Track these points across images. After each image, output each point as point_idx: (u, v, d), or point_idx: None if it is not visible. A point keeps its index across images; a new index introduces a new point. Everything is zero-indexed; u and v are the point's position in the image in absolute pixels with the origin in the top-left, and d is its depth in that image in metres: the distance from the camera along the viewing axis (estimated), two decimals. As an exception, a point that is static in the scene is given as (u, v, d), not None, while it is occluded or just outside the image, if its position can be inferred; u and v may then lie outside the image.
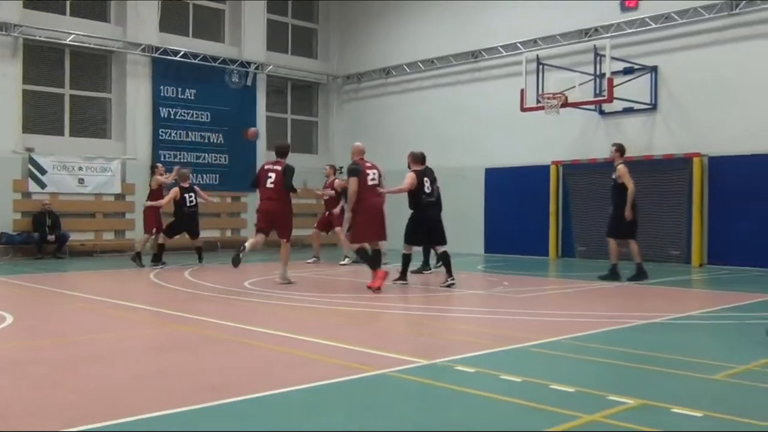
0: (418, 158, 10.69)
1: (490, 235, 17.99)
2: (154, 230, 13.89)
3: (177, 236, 14.22)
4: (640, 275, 10.87)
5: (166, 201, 13.79)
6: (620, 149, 11.30)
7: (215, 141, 19.55)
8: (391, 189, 10.50)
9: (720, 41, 14.36)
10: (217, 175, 19.55)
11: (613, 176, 11.07)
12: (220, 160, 19.62)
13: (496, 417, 4.02)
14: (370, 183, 9.95)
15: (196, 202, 14.17)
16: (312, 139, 22.72)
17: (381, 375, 4.91)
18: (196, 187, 14.55)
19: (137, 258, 13.81)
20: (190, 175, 14.71)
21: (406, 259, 10.62)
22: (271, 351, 5.87)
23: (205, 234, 19.29)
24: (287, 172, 10.75)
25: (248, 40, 20.18)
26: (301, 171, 21.25)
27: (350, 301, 9.03)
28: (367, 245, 10.10)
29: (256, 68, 20.22)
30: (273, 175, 10.70)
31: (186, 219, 14.01)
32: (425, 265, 12.61)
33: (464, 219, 17.51)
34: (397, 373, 4.95)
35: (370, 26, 21.36)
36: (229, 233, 19.87)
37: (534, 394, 4.43)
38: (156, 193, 14.03)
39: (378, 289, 9.51)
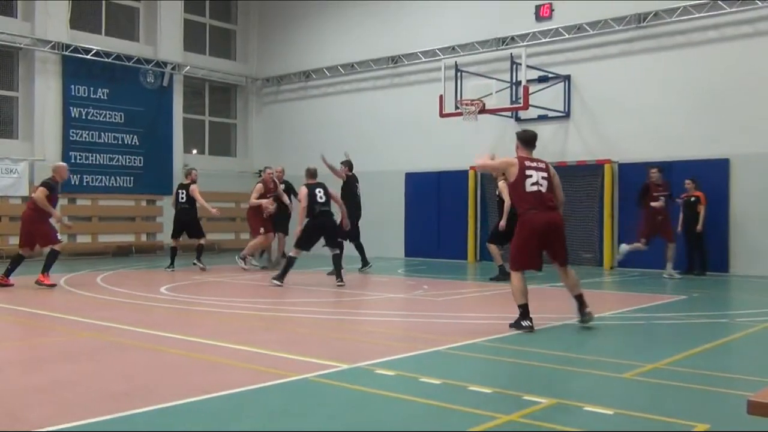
0: (311, 173, 11.52)
1: (410, 239, 18.14)
2: (262, 230, 13.75)
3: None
4: (502, 276, 11.33)
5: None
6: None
7: (129, 142, 18.96)
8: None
9: (629, 52, 14.96)
10: (132, 178, 18.94)
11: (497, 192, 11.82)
12: (134, 162, 19.02)
13: (416, 419, 4.03)
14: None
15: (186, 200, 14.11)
16: (230, 142, 22.37)
17: (300, 380, 4.86)
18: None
19: (246, 260, 13.98)
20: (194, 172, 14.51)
21: (290, 261, 11.00)
22: (183, 357, 5.71)
23: (119, 238, 18.77)
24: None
25: (164, 39, 19.69)
26: (219, 174, 21.09)
27: (267, 306, 8.92)
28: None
29: (173, 69, 19.75)
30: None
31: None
32: (365, 264, 13.48)
33: (384, 223, 17.61)
34: (317, 378, 4.91)
35: (290, 29, 21.20)
36: (144, 237, 19.30)
37: (453, 395, 4.48)
38: (263, 197, 13.76)
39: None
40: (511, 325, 6.94)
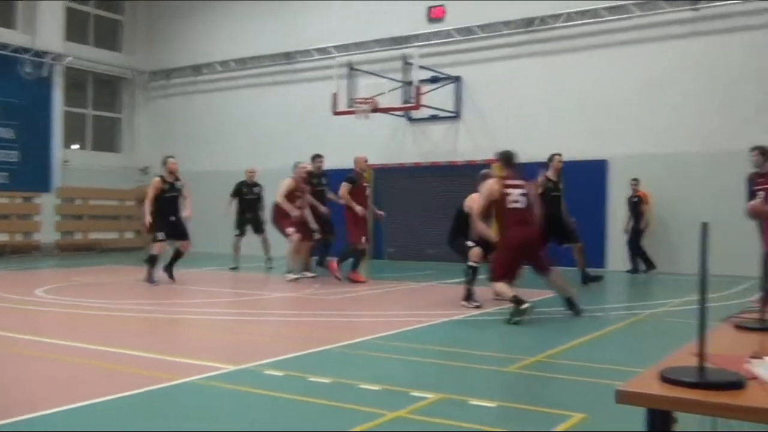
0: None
1: (302, 237, 18.01)
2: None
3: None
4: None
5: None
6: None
7: (5, 136, 17.84)
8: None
9: (517, 56, 15.47)
10: (7, 174, 17.84)
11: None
12: (9, 158, 17.91)
13: (305, 419, 4.01)
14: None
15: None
16: (115, 137, 21.49)
17: (187, 383, 4.73)
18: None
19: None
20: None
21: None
22: (64, 363, 5.43)
23: (-9, 237, 17.69)
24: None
25: (44, 28, 18.67)
26: (102, 170, 20.26)
27: (153, 308, 8.64)
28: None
29: (53, 59, 18.77)
30: None
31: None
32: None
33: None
34: (204, 381, 4.79)
35: (180, 21, 20.61)
36: (20, 237, 18.25)
37: (342, 394, 4.48)
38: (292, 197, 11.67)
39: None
40: (512, 320, 7.29)
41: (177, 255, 11.15)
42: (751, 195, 8.73)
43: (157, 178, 11.13)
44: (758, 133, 12.87)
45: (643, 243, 13.48)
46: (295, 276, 11.37)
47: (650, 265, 13.38)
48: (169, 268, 11.10)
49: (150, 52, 21.27)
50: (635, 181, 13.49)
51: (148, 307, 8.63)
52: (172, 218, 10.95)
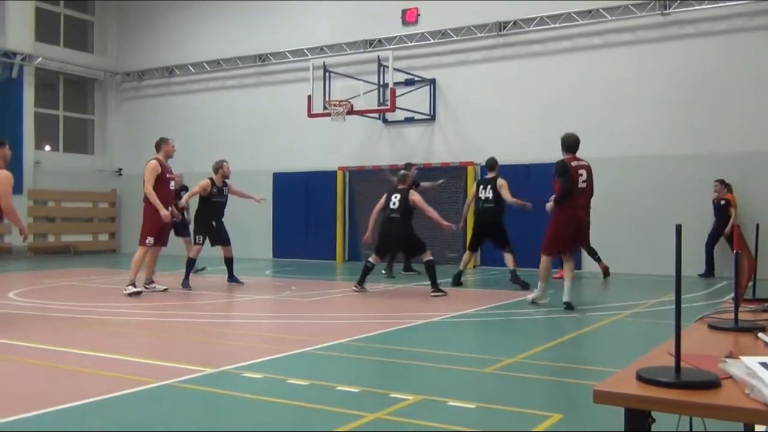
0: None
1: (278, 239, 17.99)
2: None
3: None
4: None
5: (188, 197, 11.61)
6: None
7: (-27, 137, 17.57)
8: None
9: (490, 59, 15.58)
10: (-25, 176, 17.54)
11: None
12: (-22, 159, 17.63)
13: (283, 421, 4.01)
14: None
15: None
16: (87, 139, 21.25)
17: (162, 386, 4.70)
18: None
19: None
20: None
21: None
22: (34, 366, 5.36)
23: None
24: None
25: (12, 28, 18.40)
26: (74, 172, 20.01)
27: (129, 310, 8.56)
28: None
29: (23, 59, 18.51)
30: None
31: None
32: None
33: (252, 223, 17.33)
34: (181, 384, 4.77)
35: (152, 22, 20.44)
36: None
37: (321, 396, 4.49)
38: None
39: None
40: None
41: (228, 261, 11.18)
42: None
43: (207, 180, 10.86)
44: (724, 137, 13.16)
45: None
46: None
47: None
48: (232, 277, 11.23)
49: (122, 53, 21.07)
50: (720, 184, 12.69)
51: (120, 310, 8.54)
52: (213, 223, 10.83)
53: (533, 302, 8.74)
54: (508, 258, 10.94)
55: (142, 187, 9.90)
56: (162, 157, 9.98)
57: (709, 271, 12.81)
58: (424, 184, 12.78)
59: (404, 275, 12.88)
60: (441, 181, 13.51)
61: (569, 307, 8.35)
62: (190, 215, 12.17)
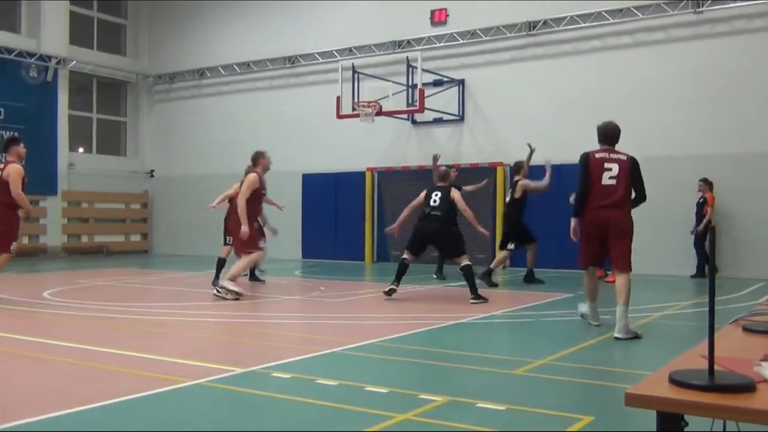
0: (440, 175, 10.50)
1: (307, 240, 18.07)
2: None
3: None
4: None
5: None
6: None
7: (9, 140, 17.92)
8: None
9: (519, 59, 15.49)
10: (12, 177, 17.89)
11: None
12: (15, 161, 17.98)
13: (313, 421, 4.02)
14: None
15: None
16: (120, 141, 21.57)
17: (193, 386, 4.74)
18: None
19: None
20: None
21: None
22: (68, 365, 5.44)
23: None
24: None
25: (48, 32, 18.75)
26: (108, 174, 20.32)
27: (160, 310, 8.66)
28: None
29: (57, 63, 18.85)
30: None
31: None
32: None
33: (281, 224, 17.36)
34: (211, 383, 4.81)
35: (183, 25, 20.68)
36: (26, 240, 18.29)
37: (349, 396, 4.49)
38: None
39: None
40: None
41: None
42: None
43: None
44: (759, 135, 12.92)
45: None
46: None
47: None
48: (253, 276, 11.60)
49: (153, 56, 21.35)
50: (703, 183, 12.90)
51: (152, 310, 8.65)
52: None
53: (582, 317, 7.56)
54: (504, 254, 11.75)
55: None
56: (260, 170, 9.63)
57: (700, 272, 12.64)
58: (467, 188, 12.32)
59: (434, 278, 12.69)
60: (485, 181, 13.05)
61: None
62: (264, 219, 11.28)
